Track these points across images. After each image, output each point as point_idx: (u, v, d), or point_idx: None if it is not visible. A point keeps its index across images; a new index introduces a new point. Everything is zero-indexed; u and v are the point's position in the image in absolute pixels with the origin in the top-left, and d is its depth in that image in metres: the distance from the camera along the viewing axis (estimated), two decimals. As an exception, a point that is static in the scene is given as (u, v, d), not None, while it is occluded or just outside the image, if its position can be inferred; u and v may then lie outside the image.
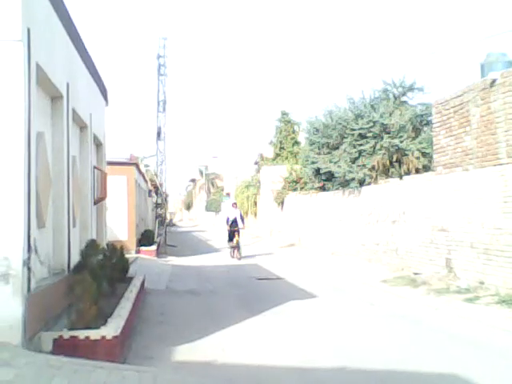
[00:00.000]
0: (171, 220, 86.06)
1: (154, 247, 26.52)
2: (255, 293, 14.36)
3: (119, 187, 23.81)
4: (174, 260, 24.98)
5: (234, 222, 24.94)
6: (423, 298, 12.84)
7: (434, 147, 15.40)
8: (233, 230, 24.76)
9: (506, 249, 11.80)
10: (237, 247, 24.55)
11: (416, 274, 15.50)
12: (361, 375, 7.18)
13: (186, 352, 8.29)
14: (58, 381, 5.35)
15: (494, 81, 12.20)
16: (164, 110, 35.04)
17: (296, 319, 10.77)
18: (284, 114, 42.58)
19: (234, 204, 27.23)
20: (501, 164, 12.04)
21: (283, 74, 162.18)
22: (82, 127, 11.50)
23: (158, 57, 34.90)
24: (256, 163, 49.42)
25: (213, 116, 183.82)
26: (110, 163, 18.02)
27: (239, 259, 23.84)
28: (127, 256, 13.59)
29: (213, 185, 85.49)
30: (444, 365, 7.39)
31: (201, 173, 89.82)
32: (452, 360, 7.60)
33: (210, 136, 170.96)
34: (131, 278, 12.82)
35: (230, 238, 24.97)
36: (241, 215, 25.67)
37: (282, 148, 41.67)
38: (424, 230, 15.75)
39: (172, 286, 15.59)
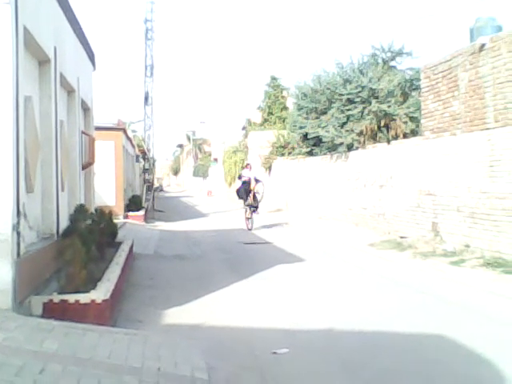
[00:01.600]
0: (160, 185, 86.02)
1: (141, 212, 26.54)
2: (243, 257, 14.46)
3: (107, 152, 23.73)
4: (161, 225, 25.03)
5: (249, 182, 21.94)
6: (410, 261, 12.98)
7: (422, 112, 15.42)
8: (247, 189, 21.79)
9: (492, 212, 11.91)
10: (251, 213, 21.74)
11: (402, 237, 15.64)
12: (348, 336, 7.28)
13: (175, 315, 8.36)
14: (49, 343, 5.39)
15: (483, 45, 12.18)
16: (151, 74, 34.76)
17: (284, 282, 10.87)
18: (273, 78, 42.39)
19: (248, 165, 23.29)
20: (488, 129, 12.09)
21: (272, 38, 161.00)
22: (70, 91, 11.41)
23: (146, 21, 34.51)
24: (244, 128, 49.26)
25: (200, 81, 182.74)
26: (98, 128, 17.92)
27: (249, 229, 21.38)
28: (115, 221, 13.61)
29: (200, 150, 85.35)
30: (431, 326, 7.50)
31: (188, 138, 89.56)
32: (439, 321, 7.71)
33: (198, 101, 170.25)
34: (120, 243, 12.86)
35: (244, 197, 21.96)
36: (256, 179, 22.16)
37: (271, 113, 41.55)
38: (411, 195, 15.84)
39: (160, 251, 15.65)
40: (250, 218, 21.65)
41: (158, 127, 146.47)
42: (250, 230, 21.13)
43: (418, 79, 17.11)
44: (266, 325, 7.87)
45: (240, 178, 22.67)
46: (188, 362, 5.83)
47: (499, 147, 11.69)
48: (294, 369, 6.06)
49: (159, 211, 32.22)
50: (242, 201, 22.62)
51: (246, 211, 21.98)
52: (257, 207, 21.74)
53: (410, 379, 5.65)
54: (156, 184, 61.30)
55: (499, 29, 12.52)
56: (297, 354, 6.52)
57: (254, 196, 21.65)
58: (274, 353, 6.53)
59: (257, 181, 21.96)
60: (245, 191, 21.79)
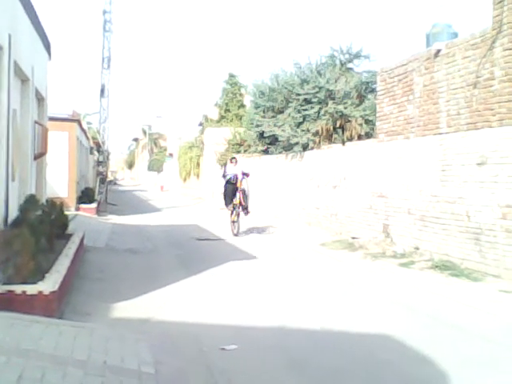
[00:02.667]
0: (114, 179, 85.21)
1: (94, 205, 26.25)
2: (195, 253, 14.43)
3: (60, 143, 23.40)
4: (114, 218, 24.79)
5: (235, 179, 18.62)
6: (360, 261, 13.11)
7: (377, 115, 15.59)
8: (233, 188, 18.62)
9: (442, 216, 12.11)
10: (237, 216, 18.52)
11: (354, 238, 15.79)
12: (296, 334, 7.33)
13: (124, 309, 8.30)
14: (-6, 334, 5.31)
15: (438, 51, 12.36)
16: (108, 67, 34.39)
17: (234, 279, 10.88)
18: (231, 76, 42.35)
19: (233, 159, 19.52)
20: (440, 133, 12.29)
21: (232, 35, 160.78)
22: (24, 80, 11.23)
23: (104, 12, 34.10)
24: (200, 124, 49.09)
25: (158, 75, 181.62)
26: (52, 119, 17.69)
27: (235, 234, 18.21)
28: (67, 213, 13.43)
29: (156, 145, 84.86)
30: (377, 326, 7.59)
31: (144, 132, 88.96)
32: (385, 322, 7.80)
33: (155, 95, 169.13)
34: (70, 235, 12.69)
35: (229, 199, 18.81)
36: (243, 173, 18.66)
37: (228, 110, 41.50)
38: (364, 196, 16.02)
39: (112, 244, 15.50)
40: (236, 222, 18.38)
41: (113, 120, 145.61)
42: (235, 235, 18.00)
43: (375, 82, 17.30)
44: (214, 321, 7.87)
45: (224, 176, 18.93)
46: (135, 355, 5.81)
47: (451, 152, 11.89)
48: (242, 365, 6.07)
49: (112, 204, 31.93)
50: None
51: (232, 213, 18.59)
52: (246, 207, 18.52)
53: (357, 378, 5.71)
54: (110, 177, 60.73)
55: (455, 35, 12.72)
56: (245, 351, 6.53)
57: (243, 194, 18.41)
58: (223, 349, 6.53)
59: (245, 175, 18.51)
60: (231, 191, 18.57)
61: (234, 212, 18.53)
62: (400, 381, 5.63)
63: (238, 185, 18.49)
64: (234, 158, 20.17)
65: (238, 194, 18.46)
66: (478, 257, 10.88)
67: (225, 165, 21.59)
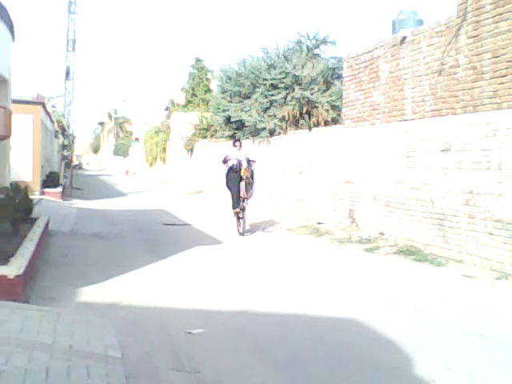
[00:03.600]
0: (80, 163, 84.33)
1: (59, 189, 26.01)
2: (161, 238, 14.40)
3: (24, 126, 23.06)
4: (79, 203, 24.59)
5: (238, 167, 15.43)
6: (326, 246, 13.23)
7: (344, 101, 15.67)
8: (236, 177, 15.45)
9: (406, 201, 12.26)
10: (242, 211, 15.46)
11: (320, 223, 15.91)
12: (263, 318, 7.38)
13: (90, 293, 8.26)
14: (-43, 319, 5.26)
15: (404, 38, 12.46)
16: (73, 49, 33.96)
17: (201, 264, 10.90)
18: (198, 60, 42.13)
19: (237, 142, 16.40)
20: (406, 120, 12.41)
21: (199, 19, 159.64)
22: (-15, 61, 11.03)
23: (69, -7, 33.62)
24: (167, 109, 48.82)
25: (124, 59, 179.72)
26: (16, 101, 17.41)
27: (241, 233, 15.29)
28: (31, 197, 13.28)
29: (122, 129, 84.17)
30: (343, 311, 7.69)
31: (110, 116, 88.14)
32: (351, 306, 7.90)
33: (121, 79, 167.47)
34: (35, 219, 12.56)
35: (235, 190, 15.50)
36: (248, 160, 15.58)
37: (194, 95, 41.33)
38: (330, 182, 16.12)
39: (77, 229, 15.39)
40: (242, 218, 15.44)
41: (78, 103, 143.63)
42: (241, 234, 15.19)
43: (341, 68, 17.35)
44: (181, 305, 7.89)
45: (225, 161, 15.85)
46: (101, 339, 5.80)
47: (415, 138, 12.02)
48: (208, 349, 6.11)
49: (77, 189, 31.68)
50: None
51: (236, 207, 15.54)
52: (247, 199, 15.68)
53: (322, 362, 5.77)
54: (75, 161, 60.11)
55: (420, 22, 12.83)
56: (211, 335, 6.57)
57: (247, 185, 15.42)
58: (189, 333, 6.55)
59: (250, 163, 15.57)
60: (235, 181, 15.47)
61: (240, 205, 15.45)
62: (364, 364, 5.70)
63: (242, 173, 15.32)
64: (238, 140, 17.00)
65: (241, 184, 15.36)
66: (442, 242, 11.05)
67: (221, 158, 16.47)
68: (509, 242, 9.30)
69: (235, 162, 15.44)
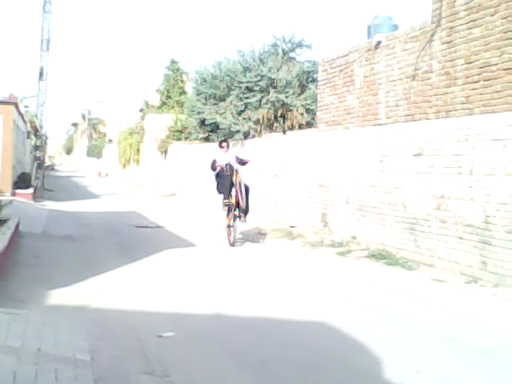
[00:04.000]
0: (52, 164, 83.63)
1: (30, 190, 25.71)
2: (133, 240, 14.30)
3: (-4, 127, 22.80)
4: (51, 204, 24.33)
5: (229, 169, 13.77)
6: (298, 250, 13.24)
7: (318, 104, 15.71)
8: (228, 181, 13.65)
9: (379, 205, 12.32)
10: (233, 219, 13.75)
11: (292, 227, 15.92)
12: (235, 322, 7.35)
13: (60, 296, 8.17)
14: None
15: (378, 43, 12.53)
16: (48, 49, 33.55)
17: (173, 267, 10.84)
18: (173, 62, 42.05)
19: (224, 143, 14.63)
20: (379, 124, 12.47)
21: (175, 20, 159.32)
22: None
23: (44, -7, 33.25)
24: (141, 110, 48.61)
25: (99, 59, 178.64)
26: (-13, 101, 17.22)
27: (231, 244, 13.61)
28: (1, 198, 13.12)
29: (95, 130, 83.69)
30: (315, 314, 7.68)
31: (83, 117, 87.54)
32: (323, 310, 7.90)
33: (95, 80, 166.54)
34: (5, 221, 12.41)
35: (227, 195, 13.71)
36: (241, 161, 14.15)
37: (169, 97, 41.20)
38: (303, 185, 16.14)
39: (48, 231, 15.22)
40: (233, 227, 13.73)
41: (52, 104, 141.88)
42: (231, 245, 13.55)
43: (316, 72, 17.42)
44: (152, 308, 7.83)
45: (213, 167, 14.03)
46: (70, 343, 5.73)
47: (389, 143, 12.09)
48: (179, 352, 6.06)
49: (49, 190, 31.36)
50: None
51: (228, 215, 13.76)
52: (246, 212, 13.95)
53: (293, 365, 5.75)
54: (48, 162, 59.54)
55: (395, 28, 12.91)
56: (182, 338, 6.52)
57: (241, 192, 13.69)
58: (160, 336, 6.51)
59: (242, 163, 14.11)
60: (227, 185, 13.68)
61: (231, 213, 13.70)
62: (336, 368, 5.70)
63: (234, 178, 13.60)
64: (224, 140, 15.37)
65: (233, 191, 13.65)
66: (413, 246, 11.12)
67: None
68: (478, 246, 9.38)
69: (224, 166, 13.74)
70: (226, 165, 13.82)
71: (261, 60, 22.29)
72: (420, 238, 10.95)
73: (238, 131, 21.65)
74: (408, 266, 10.84)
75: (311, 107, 19.67)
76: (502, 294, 8.56)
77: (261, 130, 20.74)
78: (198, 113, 25.54)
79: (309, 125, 19.56)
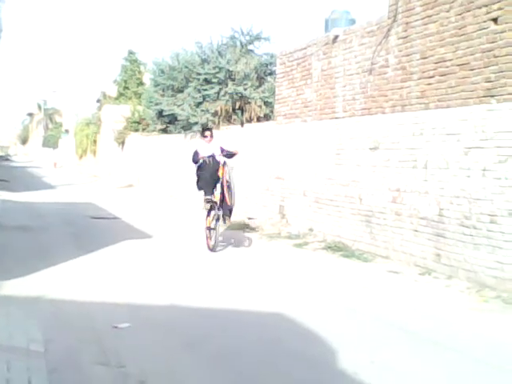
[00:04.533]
0: (7, 154, 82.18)
1: (-17, 181, 25.29)
2: (89, 231, 14.18)
3: None
4: (4, 195, 23.88)
5: (213, 161, 11.85)
6: (256, 241, 13.26)
7: (276, 97, 15.75)
8: (210, 176, 11.80)
9: (335, 198, 12.43)
10: (216, 221, 11.96)
11: (250, 218, 15.95)
12: (191, 313, 7.35)
13: (13, 287, 8.05)
14: None
15: (336, 37, 12.60)
16: (0, 38, 32.95)
17: (129, 258, 10.79)
18: (131, 53, 41.67)
19: (207, 132, 12.51)
20: (337, 118, 12.56)
21: (133, 11, 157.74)
22: None
23: (-3, -21, 32.61)
24: (98, 101, 48.10)
25: (56, 49, 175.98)
26: None
27: (211, 249, 11.79)
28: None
29: (51, 120, 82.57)
30: (270, 306, 7.71)
31: (39, 107, 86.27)
32: (278, 302, 7.93)
33: (52, 69, 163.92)
34: (-43, 211, 12.19)
35: (206, 191, 11.89)
36: (227, 152, 12.22)
37: (127, 88, 40.82)
38: (261, 177, 16.18)
39: (1, 221, 14.94)
40: (214, 229, 11.94)
41: (6, 94, 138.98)
42: (211, 250, 11.75)
43: (274, 64, 17.46)
44: (108, 299, 7.78)
45: (195, 159, 11.99)
46: (24, 333, 5.68)
47: (345, 136, 12.19)
48: (135, 343, 6.05)
49: (3, 181, 30.82)
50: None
51: (209, 214, 12.04)
52: (230, 209, 11.90)
53: (248, 356, 5.79)
54: (1, 152, 58.51)
55: (353, 22, 12.99)
56: (138, 329, 6.50)
57: (228, 188, 11.67)
58: (115, 327, 6.48)
59: (230, 156, 12.27)
60: (210, 181, 11.86)
61: (212, 214, 12.00)
62: (291, 359, 5.75)
63: (221, 172, 11.77)
64: (207, 129, 13.21)
65: (218, 187, 11.88)
66: (369, 238, 11.26)
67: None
68: (432, 238, 9.54)
69: (207, 159, 11.83)
70: (209, 157, 11.83)
71: (219, 52, 22.19)
72: (376, 231, 11.09)
73: (196, 123, 21.56)
74: (364, 257, 10.97)
75: (269, 100, 19.67)
76: (454, 286, 8.73)
77: (219, 123, 20.66)
78: (156, 104, 25.37)
79: (267, 117, 19.57)
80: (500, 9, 8.31)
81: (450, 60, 9.27)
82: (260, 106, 20.26)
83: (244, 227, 15.11)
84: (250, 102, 20.58)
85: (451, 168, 9.21)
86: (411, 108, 10.21)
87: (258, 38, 22.58)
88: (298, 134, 14.21)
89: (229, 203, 11.71)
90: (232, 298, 8.12)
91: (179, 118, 23.07)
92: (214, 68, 21.42)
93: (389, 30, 10.85)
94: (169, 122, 25.12)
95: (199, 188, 12.26)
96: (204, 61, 22.19)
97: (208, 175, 11.84)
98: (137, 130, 31.80)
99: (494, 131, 8.41)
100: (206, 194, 11.90)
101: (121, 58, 41.97)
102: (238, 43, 22.56)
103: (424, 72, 9.87)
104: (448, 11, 9.33)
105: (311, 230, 13.31)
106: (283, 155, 14.91)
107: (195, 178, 12.25)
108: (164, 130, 26.07)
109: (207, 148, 12.10)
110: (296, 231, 13.63)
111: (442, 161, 9.42)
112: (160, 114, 25.39)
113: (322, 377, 5.34)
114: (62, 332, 6.17)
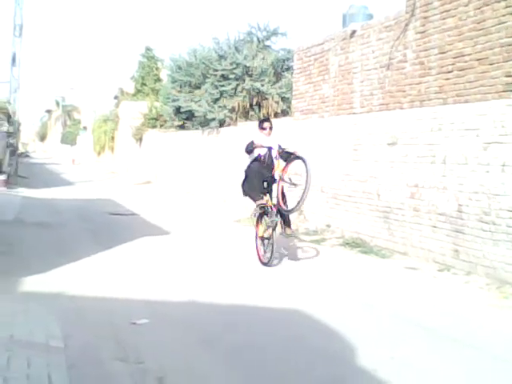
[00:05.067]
0: (26, 151, 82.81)
1: (3, 177, 25.49)
2: (108, 228, 14.23)
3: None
4: (24, 191, 24.10)
5: (268, 159, 10.07)
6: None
7: (293, 93, 15.71)
8: (264, 174, 10.02)
9: (353, 194, 12.39)
10: (272, 229, 9.84)
11: (268, 215, 15.91)
12: (209, 309, 7.35)
13: (33, 283, 8.11)
14: None
15: (354, 32, 12.55)
16: (20, 34, 33.06)
17: (147, 254, 10.81)
18: (148, 49, 41.80)
19: (265, 122, 10.77)
20: (354, 113, 12.52)
21: (150, 7, 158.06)
22: None
23: (16, -23, 32.75)
24: (116, 98, 48.28)
25: (73, 46, 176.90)
26: (-42, 86, 16.97)
27: (265, 263, 9.87)
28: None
29: (69, 117, 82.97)
30: (290, 302, 7.69)
31: (57, 104, 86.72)
32: (297, 298, 7.92)
33: (70, 66, 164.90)
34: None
35: (255, 193, 9.99)
36: (284, 152, 10.03)
37: (144, 84, 40.96)
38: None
39: (21, 217, 15.06)
40: (269, 240, 9.89)
41: (25, 90, 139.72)
42: (265, 264, 9.87)
43: (291, 60, 17.41)
44: (126, 296, 7.80)
45: (250, 151, 10.11)
46: (43, 330, 5.72)
47: (363, 132, 12.15)
48: (152, 339, 6.06)
49: (23, 177, 31.06)
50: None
51: (259, 221, 10.16)
52: (287, 221, 10.08)
53: (268, 352, 5.78)
54: (21, 149, 58.98)
55: (370, 17, 12.94)
56: (156, 325, 6.52)
57: (283, 195, 9.90)
58: (134, 323, 6.50)
59: (291, 158, 9.89)
60: (260, 179, 10.03)
61: (264, 221, 10.01)
62: (310, 354, 5.74)
63: (278, 171, 9.88)
64: (266, 119, 11.50)
65: (276, 188, 9.94)
66: (387, 234, 11.22)
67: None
68: (451, 234, 9.49)
69: (263, 153, 10.07)
70: (267, 152, 10.05)
71: (236, 48, 22.19)
72: (394, 227, 11.04)
73: (214, 119, 21.60)
74: (382, 254, 10.93)
75: (286, 96, 19.65)
76: (473, 282, 8.69)
77: (236, 118, 20.70)
78: (173, 100, 25.41)
79: (284, 113, 19.56)
80: (520, 3, 8.24)
81: (469, 55, 9.21)
82: (277, 102, 20.25)
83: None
84: (267, 98, 20.58)
85: (470, 163, 9.14)
86: (429, 103, 10.15)
87: (275, 33, 22.56)
88: (315, 130, 14.17)
89: (284, 207, 9.76)
90: (250, 293, 8.12)
91: (196, 114, 23.11)
92: (231, 64, 21.43)
93: (407, 25, 10.78)
94: (186, 118, 25.16)
95: (245, 191, 10.24)
96: (221, 57, 22.20)
97: (260, 174, 9.94)
98: (154, 127, 31.89)
99: (513, 126, 8.34)
100: (255, 197, 9.95)
101: (138, 54, 42.19)
102: (255, 39, 22.55)
103: (442, 67, 9.81)
104: (466, 5, 9.26)
105: (329, 226, 13.28)
106: (301, 151, 14.83)
107: (245, 181, 10.23)
108: (181, 127, 26.12)
109: (265, 140, 10.23)
110: (314, 227, 13.61)
111: (460, 156, 9.36)
112: (177, 110, 25.44)
113: (343, 373, 5.33)
114: (81, 328, 6.20)
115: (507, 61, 8.45)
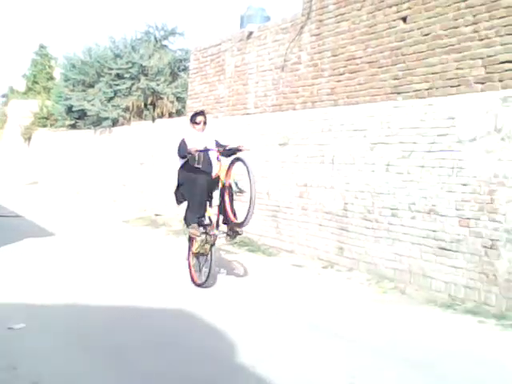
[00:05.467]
0: None
1: None
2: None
3: None
4: None
5: (207, 160, 8.35)
6: (162, 238, 13.12)
7: (189, 93, 15.65)
8: (204, 182, 8.28)
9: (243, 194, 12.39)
10: (210, 244, 8.42)
11: (157, 215, 15.77)
12: (92, 311, 7.01)
13: None
14: None
15: (251, 33, 12.62)
16: None
17: (30, 256, 10.17)
18: (42, 47, 40.68)
19: (199, 116, 8.79)
20: (248, 114, 12.57)
21: (44, 4, 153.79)
22: None
23: None
24: (4, 96, 46.54)
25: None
26: None
27: (200, 284, 8.33)
28: None
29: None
30: (175, 302, 7.52)
31: None
32: (184, 298, 7.79)
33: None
34: None
35: (198, 206, 8.52)
36: (226, 149, 8.72)
37: (36, 82, 39.74)
38: (170, 173, 15.96)
39: None
40: (207, 257, 8.44)
41: None
42: (199, 285, 8.34)
43: (188, 60, 17.35)
44: (4, 299, 7.33)
45: (182, 154, 8.41)
46: None
47: (256, 132, 12.20)
48: (30, 344, 5.72)
49: None
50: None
51: (196, 240, 8.48)
52: (242, 223, 8.48)
53: (144, 352, 5.61)
54: None
55: (268, 19, 13.05)
56: (34, 329, 6.16)
57: (230, 198, 8.66)
58: (10, 328, 6.15)
59: (230, 154, 8.70)
60: (204, 192, 8.45)
61: (203, 235, 8.47)
62: (189, 352, 5.63)
63: (222, 175, 8.41)
64: (200, 113, 9.02)
65: (218, 194, 8.60)
66: (275, 233, 11.30)
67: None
68: (336, 232, 9.68)
69: (199, 153, 8.25)
70: (202, 151, 8.31)
71: (132, 47, 21.94)
72: (282, 225, 11.14)
73: (107, 118, 21.22)
74: (269, 252, 11.00)
75: (182, 96, 19.60)
76: (355, 278, 8.89)
77: (130, 118, 20.44)
78: (66, 99, 24.79)
79: (179, 113, 19.47)
80: (409, 8, 8.53)
81: (360, 58, 9.43)
82: (172, 102, 20.20)
83: (151, 224, 14.91)
84: (162, 98, 20.47)
85: (357, 163, 9.36)
86: (321, 104, 10.33)
87: (172, 33, 22.47)
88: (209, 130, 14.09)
89: (234, 219, 8.52)
90: (136, 294, 7.82)
91: (89, 113, 22.67)
92: (127, 63, 21.19)
93: (302, 28, 10.94)
94: (78, 117, 24.62)
95: (178, 200, 8.85)
96: (117, 56, 21.91)
97: (198, 182, 8.24)
98: (45, 126, 31.01)
99: (398, 127, 8.60)
100: (195, 215, 8.51)
101: (31, 52, 40.91)
102: (153, 38, 22.40)
103: (335, 69, 10.01)
104: (360, 10, 9.49)
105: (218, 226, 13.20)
106: (244, 147, 14.74)
107: (176, 183, 8.79)
108: (73, 126, 25.52)
109: (199, 139, 8.54)
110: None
111: (348, 156, 9.57)
112: (69, 109, 24.85)
113: (221, 371, 5.22)
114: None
115: (395, 64, 8.72)
